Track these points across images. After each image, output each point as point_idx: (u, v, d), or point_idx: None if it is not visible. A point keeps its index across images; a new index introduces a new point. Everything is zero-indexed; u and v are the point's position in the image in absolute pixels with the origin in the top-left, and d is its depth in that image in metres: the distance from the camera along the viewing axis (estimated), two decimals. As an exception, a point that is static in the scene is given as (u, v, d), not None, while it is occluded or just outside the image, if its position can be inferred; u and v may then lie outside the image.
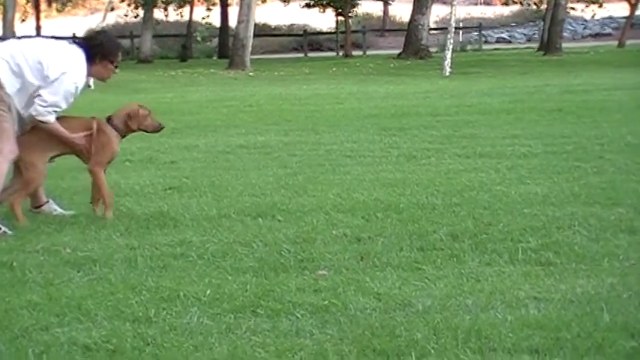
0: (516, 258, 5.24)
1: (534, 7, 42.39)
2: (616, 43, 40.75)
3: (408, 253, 5.41)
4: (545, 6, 38.76)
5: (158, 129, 6.81)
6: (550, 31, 35.81)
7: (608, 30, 48.86)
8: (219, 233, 5.99)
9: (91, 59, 6.48)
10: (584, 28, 49.59)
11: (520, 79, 23.00)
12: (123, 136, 6.69)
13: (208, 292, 4.65)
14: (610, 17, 48.93)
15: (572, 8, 39.74)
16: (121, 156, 8.02)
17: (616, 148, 9.42)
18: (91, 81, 6.68)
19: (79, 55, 6.46)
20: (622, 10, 44.88)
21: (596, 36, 48.14)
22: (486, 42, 46.42)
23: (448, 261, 5.23)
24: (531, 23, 47.82)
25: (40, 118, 6.32)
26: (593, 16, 43.63)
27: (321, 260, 5.28)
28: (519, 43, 47.18)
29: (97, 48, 6.53)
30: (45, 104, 6.28)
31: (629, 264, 5.05)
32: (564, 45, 36.54)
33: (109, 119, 6.62)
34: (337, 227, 6.07)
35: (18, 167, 6.46)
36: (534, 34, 45.83)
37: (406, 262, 5.21)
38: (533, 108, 14.27)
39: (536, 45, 40.15)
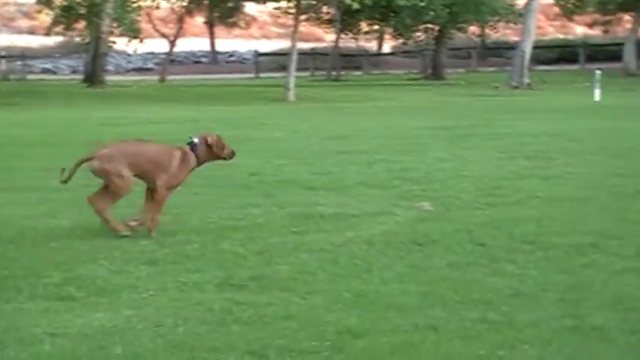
0: (37, 294, 5.20)
1: (77, 39, 42.25)
2: (158, 77, 42.13)
3: None
4: (89, 39, 38.85)
5: (233, 155, 6.96)
6: (93, 63, 36.04)
7: (150, 65, 50.34)
8: None
9: None
10: (128, 62, 50.63)
11: (63, 110, 22.80)
12: (199, 165, 6.82)
13: None
14: (152, 53, 50.39)
15: (114, 42, 40.20)
16: None
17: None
18: None
19: None
20: (163, 46, 46.50)
21: (140, 70, 49.35)
22: (31, 72, 45.46)
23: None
24: (76, 55, 47.65)
25: None
26: (135, 51, 44.60)
27: None
28: (64, 74, 46.82)
29: None
30: None
31: (147, 295, 5.23)
32: (109, 78, 37.00)
33: (192, 148, 6.71)
34: None
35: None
36: (79, 65, 45.73)
37: None
38: (72, 141, 14.25)
39: (81, 77, 40.10)
